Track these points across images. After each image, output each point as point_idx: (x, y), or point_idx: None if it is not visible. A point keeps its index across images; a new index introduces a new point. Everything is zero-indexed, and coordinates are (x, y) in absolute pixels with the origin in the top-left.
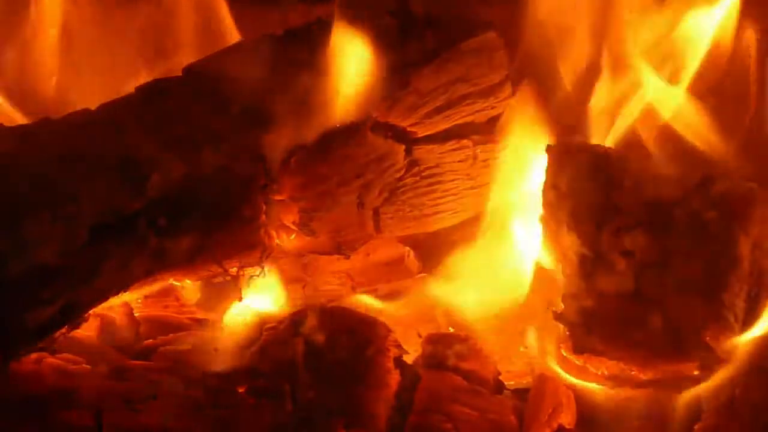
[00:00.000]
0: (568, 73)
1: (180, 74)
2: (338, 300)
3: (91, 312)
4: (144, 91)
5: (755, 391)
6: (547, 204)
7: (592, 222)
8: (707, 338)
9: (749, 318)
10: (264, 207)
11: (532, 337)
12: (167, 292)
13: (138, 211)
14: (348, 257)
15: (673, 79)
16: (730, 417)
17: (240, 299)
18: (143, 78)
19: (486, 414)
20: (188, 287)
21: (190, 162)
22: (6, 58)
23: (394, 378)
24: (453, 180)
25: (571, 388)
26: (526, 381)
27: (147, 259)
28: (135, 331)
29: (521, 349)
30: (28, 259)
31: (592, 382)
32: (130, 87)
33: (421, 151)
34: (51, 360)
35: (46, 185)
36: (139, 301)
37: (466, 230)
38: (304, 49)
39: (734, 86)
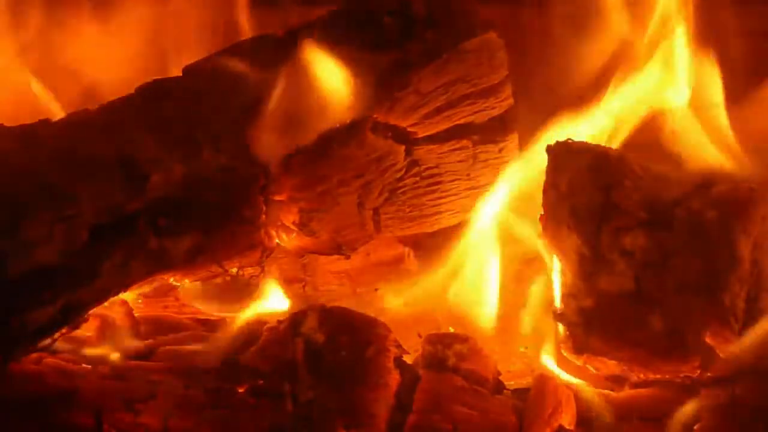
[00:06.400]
0: (571, 71)
1: (180, 74)
2: (338, 300)
3: (91, 312)
4: (144, 91)
5: (755, 392)
6: (547, 204)
7: (592, 222)
8: (707, 338)
9: (749, 318)
10: (264, 207)
11: (527, 326)
12: (167, 292)
13: (138, 211)
14: (348, 257)
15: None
16: (730, 417)
17: (240, 299)
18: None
19: (486, 414)
20: (188, 287)
21: (190, 162)
22: None
23: (394, 378)
24: (453, 180)
25: (571, 388)
26: (526, 381)
27: (147, 259)
28: (135, 331)
29: (521, 349)
30: (29, 260)
31: (592, 382)
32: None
33: (421, 152)
34: (51, 360)
35: (46, 185)
36: (139, 301)
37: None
38: (304, 49)
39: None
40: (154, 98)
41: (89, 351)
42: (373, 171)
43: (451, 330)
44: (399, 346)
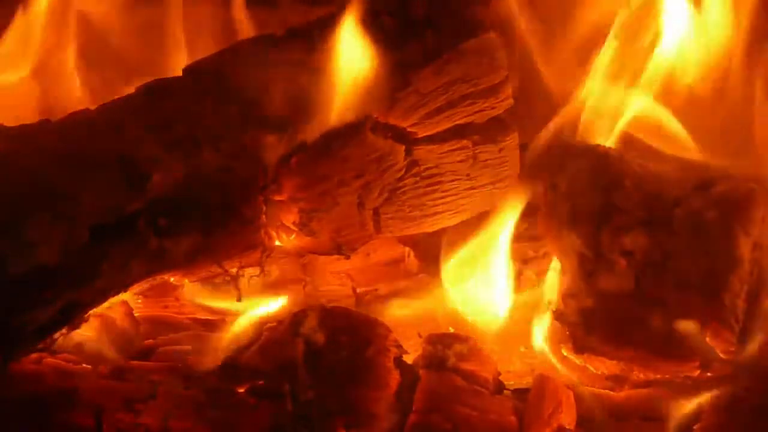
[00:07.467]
0: (566, 72)
1: (180, 74)
2: (338, 300)
3: (91, 312)
4: (144, 91)
5: (755, 392)
6: (547, 204)
7: (592, 222)
8: (707, 338)
9: (749, 318)
10: (264, 207)
11: (538, 337)
12: (167, 292)
13: (138, 211)
14: (348, 257)
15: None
16: (730, 417)
17: (239, 299)
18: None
19: (486, 414)
20: (188, 287)
21: (190, 162)
22: None
23: (394, 378)
24: (453, 180)
25: (571, 388)
26: (526, 381)
27: (147, 259)
28: (135, 331)
29: (521, 349)
30: (29, 260)
31: (592, 382)
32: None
33: (421, 152)
34: (51, 360)
35: (46, 185)
36: (139, 301)
37: (467, 230)
38: (304, 49)
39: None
40: (154, 98)
41: (89, 351)
42: (373, 171)
43: (451, 330)
44: (399, 346)
